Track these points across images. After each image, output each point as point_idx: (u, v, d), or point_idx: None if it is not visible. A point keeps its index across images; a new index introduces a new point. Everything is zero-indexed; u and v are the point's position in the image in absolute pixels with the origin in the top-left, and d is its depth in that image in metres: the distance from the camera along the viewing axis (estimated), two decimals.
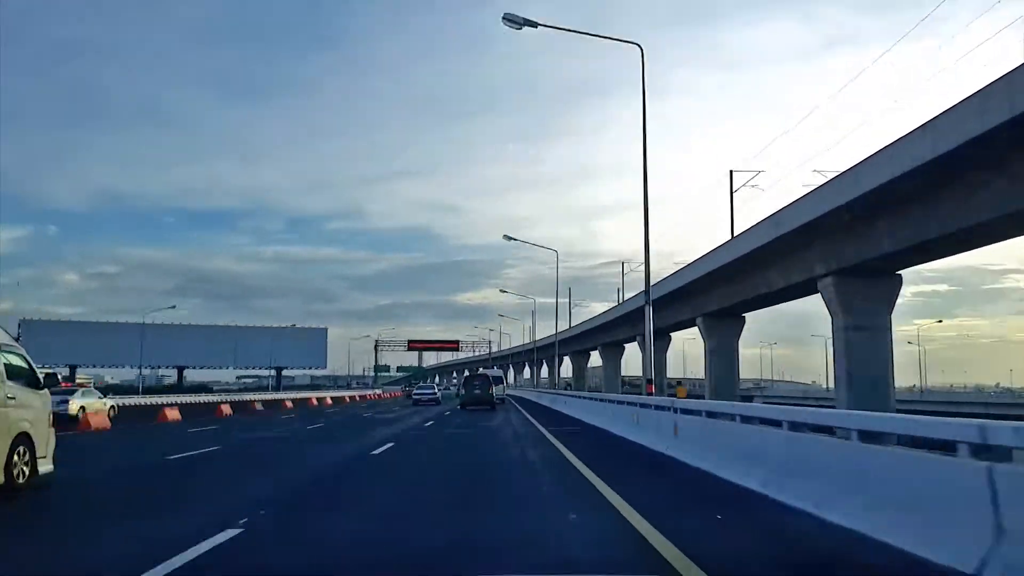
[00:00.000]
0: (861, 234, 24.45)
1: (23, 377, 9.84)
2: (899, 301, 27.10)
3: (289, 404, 50.34)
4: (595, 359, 79.67)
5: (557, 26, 22.04)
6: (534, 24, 20.92)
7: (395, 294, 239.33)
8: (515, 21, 20.78)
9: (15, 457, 9.08)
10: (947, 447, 5.23)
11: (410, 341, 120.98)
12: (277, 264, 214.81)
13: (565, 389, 55.44)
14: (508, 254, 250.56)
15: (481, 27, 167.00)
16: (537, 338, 77.06)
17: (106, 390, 44.20)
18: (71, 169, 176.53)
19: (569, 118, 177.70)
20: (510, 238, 50.73)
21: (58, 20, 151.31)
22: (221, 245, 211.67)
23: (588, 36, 23.60)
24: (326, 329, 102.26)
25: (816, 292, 28.58)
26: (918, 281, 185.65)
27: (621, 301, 57.67)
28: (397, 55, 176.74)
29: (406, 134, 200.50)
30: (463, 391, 37.78)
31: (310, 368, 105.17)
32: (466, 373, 55.83)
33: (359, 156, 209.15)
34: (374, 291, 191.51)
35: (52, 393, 10.99)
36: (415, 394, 49.96)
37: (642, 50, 19.92)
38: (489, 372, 47.35)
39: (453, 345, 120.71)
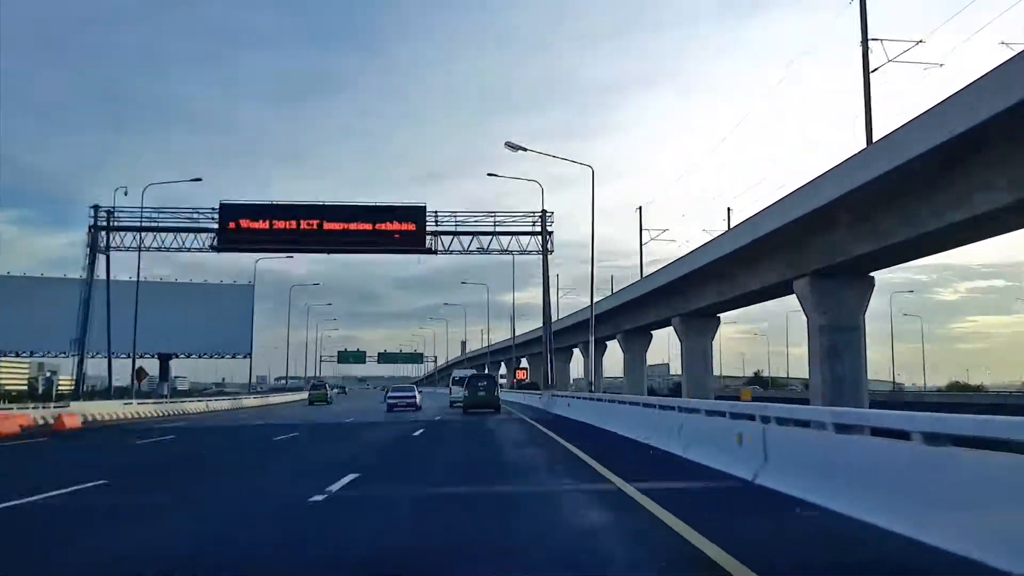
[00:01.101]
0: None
1: None
2: (952, 298, 28.43)
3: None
4: (576, 355, 79.88)
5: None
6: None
7: (448, 295, 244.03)
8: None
9: None
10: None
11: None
12: (321, 265, 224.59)
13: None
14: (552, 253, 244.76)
15: (510, 26, 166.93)
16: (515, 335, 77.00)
17: None
18: (122, 174, 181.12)
19: (613, 113, 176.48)
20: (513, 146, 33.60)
21: (105, 25, 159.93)
22: None
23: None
24: (252, 287, 65.81)
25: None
26: (972, 276, 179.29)
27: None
28: (443, 54, 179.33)
29: (445, 132, 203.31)
30: (466, 392, 35.19)
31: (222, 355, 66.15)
32: (472, 372, 48.11)
33: (402, 157, 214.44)
34: (418, 293, 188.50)
35: None
36: (389, 398, 39.62)
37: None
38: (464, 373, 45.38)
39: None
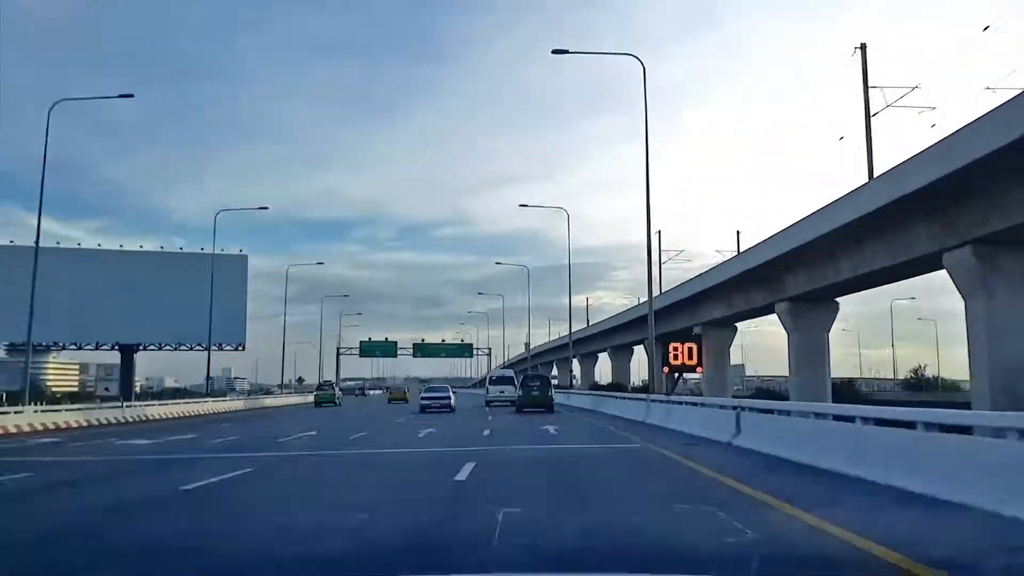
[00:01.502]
0: None
1: None
2: None
3: None
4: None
5: None
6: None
7: (509, 298, 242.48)
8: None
9: None
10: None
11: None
12: (389, 271, 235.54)
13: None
14: (617, 256, 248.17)
15: (585, 26, 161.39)
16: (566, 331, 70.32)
17: None
18: (194, 183, 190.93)
19: (680, 115, 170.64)
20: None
21: (179, 40, 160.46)
22: (336, 253, 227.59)
23: None
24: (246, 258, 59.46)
25: None
26: None
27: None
28: (502, 60, 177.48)
29: (512, 139, 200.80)
30: (520, 392, 36.89)
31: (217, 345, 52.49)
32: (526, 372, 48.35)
33: (467, 162, 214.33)
34: (484, 295, 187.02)
35: None
36: (422, 399, 37.20)
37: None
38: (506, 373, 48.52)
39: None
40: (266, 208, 45.78)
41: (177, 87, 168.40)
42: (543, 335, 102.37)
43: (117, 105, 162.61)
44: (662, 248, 50.26)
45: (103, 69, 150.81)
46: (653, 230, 30.02)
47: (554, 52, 28.64)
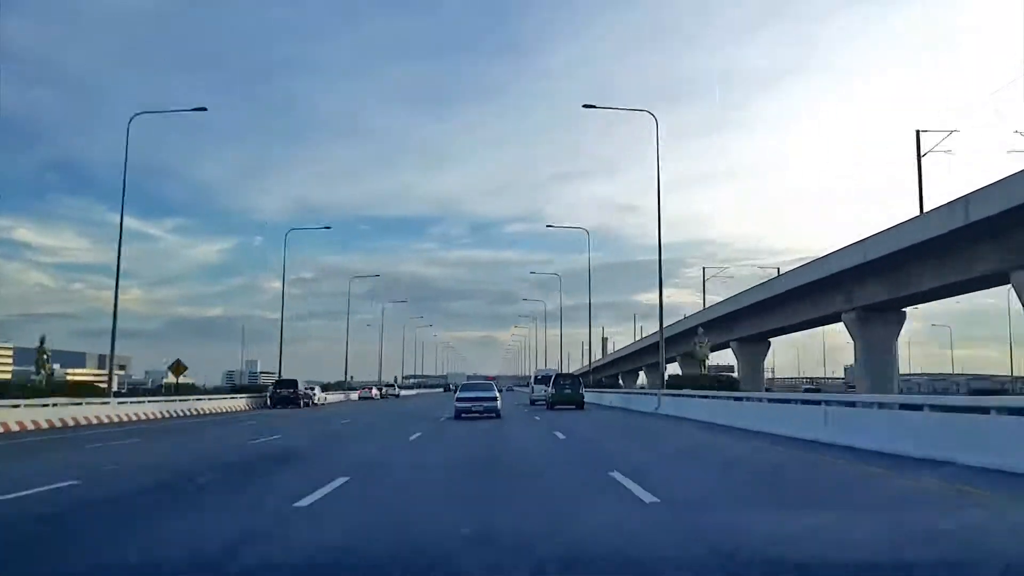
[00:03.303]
0: None
1: None
2: None
3: None
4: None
5: None
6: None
7: (576, 295, 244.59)
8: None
9: None
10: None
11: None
12: (461, 267, 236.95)
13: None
14: (688, 253, 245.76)
15: (657, 20, 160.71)
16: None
17: None
18: (273, 182, 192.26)
19: (754, 108, 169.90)
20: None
21: (259, 42, 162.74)
22: (410, 250, 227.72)
23: None
24: None
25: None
26: None
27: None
28: (569, 57, 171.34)
29: (584, 134, 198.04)
30: (552, 390, 38.43)
31: None
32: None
33: (538, 159, 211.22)
34: (555, 293, 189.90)
35: None
36: (458, 400, 28.48)
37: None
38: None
39: None
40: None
41: (259, 88, 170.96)
42: (620, 334, 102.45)
43: (195, 105, 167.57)
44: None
45: (194, 68, 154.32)
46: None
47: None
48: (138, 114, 32.33)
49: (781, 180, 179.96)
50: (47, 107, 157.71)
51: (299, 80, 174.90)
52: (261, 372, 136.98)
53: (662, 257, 34.69)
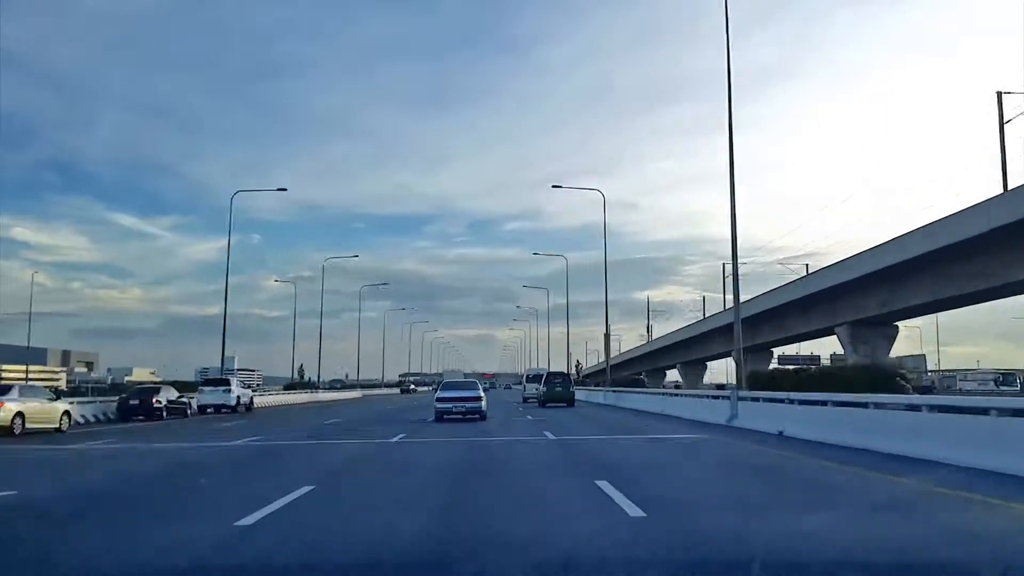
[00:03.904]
0: None
1: None
2: None
3: None
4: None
5: None
6: None
7: (575, 293, 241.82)
8: None
9: None
10: None
11: None
12: (459, 266, 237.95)
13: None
14: (688, 251, 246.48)
15: (655, 19, 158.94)
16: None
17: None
18: (271, 182, 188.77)
19: (754, 106, 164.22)
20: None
21: (256, 41, 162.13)
22: (407, 248, 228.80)
23: None
24: None
25: None
26: None
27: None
28: (568, 56, 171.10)
29: (582, 133, 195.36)
30: (543, 388, 39.64)
31: None
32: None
33: (536, 157, 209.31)
34: (554, 291, 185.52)
35: None
36: (437, 402, 26.21)
37: None
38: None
39: None
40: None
41: (256, 86, 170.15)
42: (622, 331, 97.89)
43: (194, 105, 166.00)
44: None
45: (192, 66, 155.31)
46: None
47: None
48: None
49: (781, 179, 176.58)
50: (44, 105, 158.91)
51: (296, 79, 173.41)
52: (237, 369, 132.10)
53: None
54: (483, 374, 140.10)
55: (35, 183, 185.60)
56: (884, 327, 39.72)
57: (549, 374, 43.20)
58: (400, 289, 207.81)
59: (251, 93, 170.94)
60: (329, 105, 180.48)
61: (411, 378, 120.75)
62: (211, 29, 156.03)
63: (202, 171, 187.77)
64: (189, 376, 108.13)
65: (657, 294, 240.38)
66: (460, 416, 24.99)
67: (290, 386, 61.53)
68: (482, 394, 26.37)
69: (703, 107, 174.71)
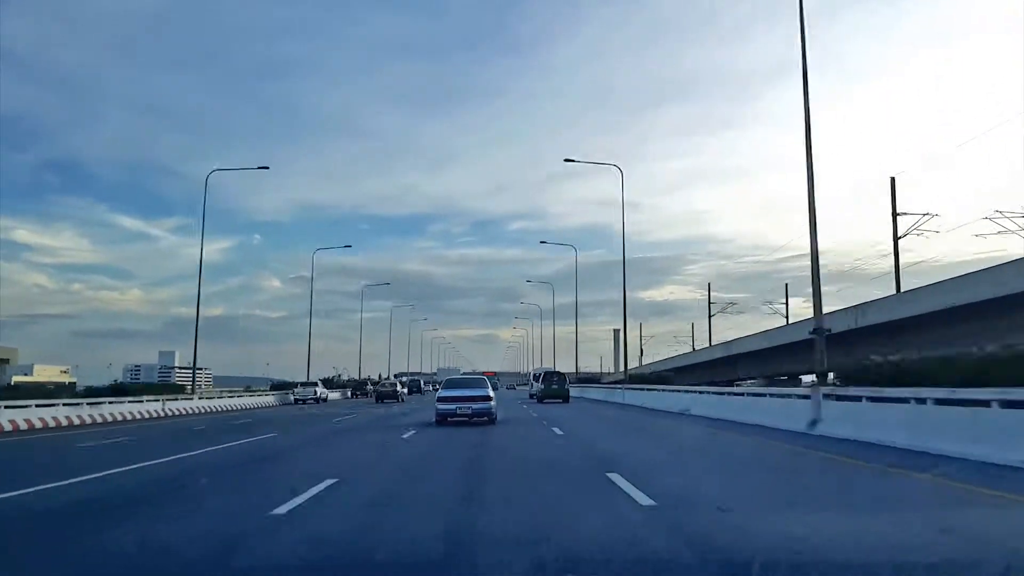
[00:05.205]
0: None
1: None
2: None
3: None
4: None
5: None
6: None
7: (579, 292, 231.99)
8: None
9: None
10: None
11: None
12: (462, 265, 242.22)
13: None
14: (690, 250, 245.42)
15: (658, 19, 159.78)
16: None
17: None
18: (274, 182, 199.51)
19: (757, 105, 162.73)
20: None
21: (260, 41, 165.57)
22: (410, 248, 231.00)
23: None
24: None
25: None
26: None
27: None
28: (571, 56, 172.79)
29: (585, 132, 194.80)
30: (541, 386, 44.33)
31: None
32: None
33: (539, 157, 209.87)
34: (557, 290, 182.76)
35: None
36: (439, 402, 22.63)
37: None
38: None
39: None
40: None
41: (260, 86, 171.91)
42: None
43: (195, 105, 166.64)
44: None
45: (196, 66, 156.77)
46: None
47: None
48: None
49: (781, 178, 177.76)
50: (45, 106, 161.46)
51: (300, 79, 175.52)
52: (177, 367, 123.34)
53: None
54: (484, 373, 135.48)
55: (35, 183, 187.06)
56: None
57: (546, 373, 47.91)
58: (403, 290, 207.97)
59: (255, 93, 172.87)
60: (333, 105, 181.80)
61: (403, 377, 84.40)
62: (215, 29, 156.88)
63: (204, 172, 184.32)
64: (117, 376, 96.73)
65: (658, 293, 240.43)
66: (465, 419, 21.66)
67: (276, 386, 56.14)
68: (491, 393, 22.78)
69: (704, 107, 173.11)
